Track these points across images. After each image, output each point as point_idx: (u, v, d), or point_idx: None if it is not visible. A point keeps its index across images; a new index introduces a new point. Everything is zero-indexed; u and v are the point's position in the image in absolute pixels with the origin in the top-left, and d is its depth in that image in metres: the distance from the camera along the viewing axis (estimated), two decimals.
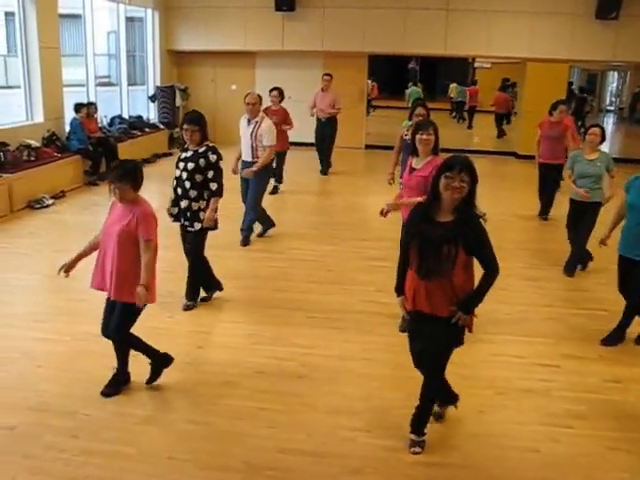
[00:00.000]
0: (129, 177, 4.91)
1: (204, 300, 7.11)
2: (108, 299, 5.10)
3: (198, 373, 5.67)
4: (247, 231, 9.29)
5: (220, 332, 6.57)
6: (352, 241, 9.38)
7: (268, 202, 11.29)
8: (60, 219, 10.44)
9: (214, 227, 6.81)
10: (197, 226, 6.68)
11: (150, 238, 4.92)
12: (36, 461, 4.36)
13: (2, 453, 4.46)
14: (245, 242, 9.21)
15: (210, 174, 6.57)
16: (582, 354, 6.18)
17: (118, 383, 5.27)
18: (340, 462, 4.45)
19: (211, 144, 6.66)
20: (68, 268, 5.11)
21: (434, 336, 4.36)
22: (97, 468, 4.33)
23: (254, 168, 8.80)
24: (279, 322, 6.68)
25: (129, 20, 16.82)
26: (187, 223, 6.71)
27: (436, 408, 4.86)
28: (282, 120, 11.63)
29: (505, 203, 12.03)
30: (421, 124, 6.19)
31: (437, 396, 4.77)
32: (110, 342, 5.22)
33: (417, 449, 4.55)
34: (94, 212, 10.82)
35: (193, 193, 6.60)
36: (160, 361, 5.40)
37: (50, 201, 11.14)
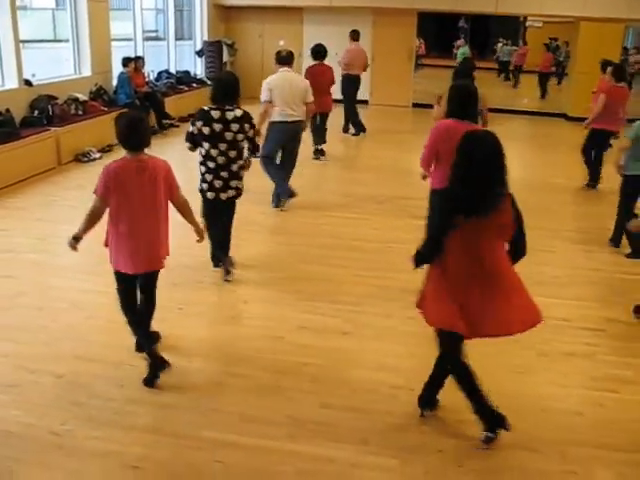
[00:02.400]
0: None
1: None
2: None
3: (242, 327, 5.74)
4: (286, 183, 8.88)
5: (264, 287, 6.57)
6: (397, 200, 9.31)
7: (313, 164, 11.30)
8: None
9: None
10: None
11: (94, 191, 4.62)
12: (84, 408, 4.46)
13: (51, 399, 4.57)
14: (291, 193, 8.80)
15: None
16: (628, 319, 6.10)
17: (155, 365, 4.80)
18: (382, 418, 4.48)
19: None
20: None
21: None
22: (143, 416, 4.42)
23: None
24: (324, 279, 6.70)
25: None
26: (234, 193, 6.39)
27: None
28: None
29: (554, 166, 11.84)
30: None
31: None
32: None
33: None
34: None
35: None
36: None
37: (97, 155, 11.25)
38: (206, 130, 6.10)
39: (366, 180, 10.61)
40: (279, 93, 8.42)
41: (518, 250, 4.05)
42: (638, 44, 26.02)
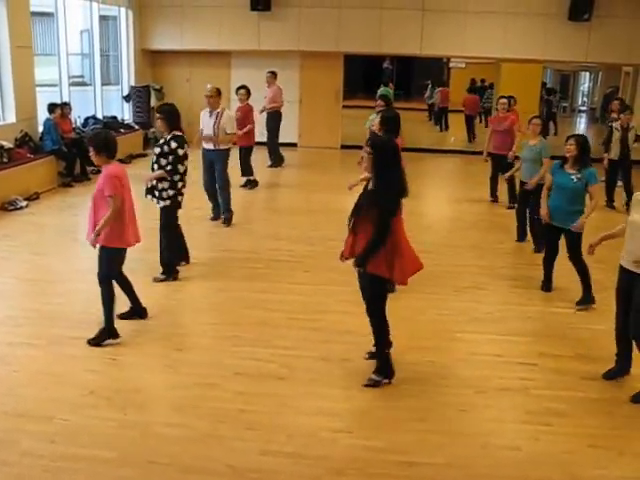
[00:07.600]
0: (95, 143, 5.79)
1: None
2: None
3: (177, 375, 5.62)
4: (228, 212, 10.11)
5: (199, 334, 6.51)
6: (329, 241, 9.29)
7: (244, 199, 11.44)
8: (35, 221, 10.29)
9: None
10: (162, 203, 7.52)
11: (110, 194, 5.69)
12: (14, 468, 4.30)
13: None
14: (230, 222, 10.11)
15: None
16: (559, 352, 6.23)
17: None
18: (322, 463, 4.44)
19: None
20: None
21: None
22: (76, 473, 4.28)
23: (214, 137, 9.70)
24: (259, 323, 6.65)
25: (103, 19, 16.59)
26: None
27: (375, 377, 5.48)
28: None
29: (480, 201, 12.09)
30: None
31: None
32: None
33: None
34: (70, 214, 10.76)
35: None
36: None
37: (24, 203, 10.99)
38: (181, 152, 7.36)
39: (296, 222, 10.61)
40: None
41: None
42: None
